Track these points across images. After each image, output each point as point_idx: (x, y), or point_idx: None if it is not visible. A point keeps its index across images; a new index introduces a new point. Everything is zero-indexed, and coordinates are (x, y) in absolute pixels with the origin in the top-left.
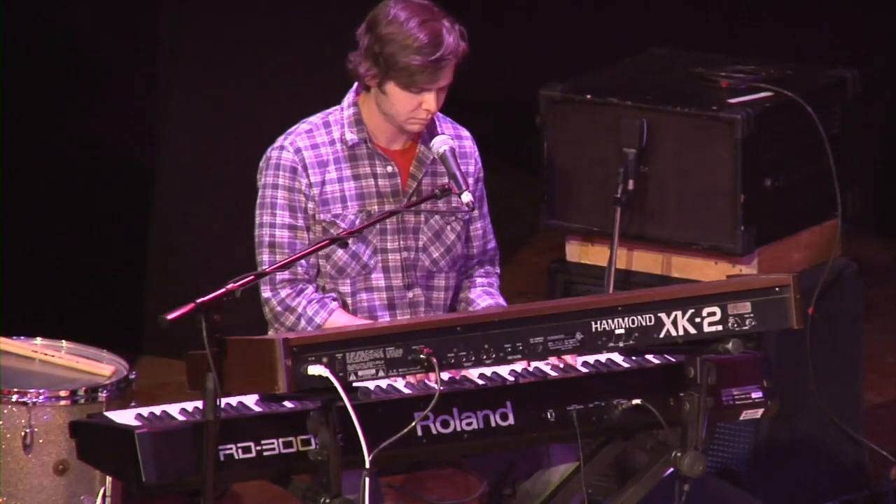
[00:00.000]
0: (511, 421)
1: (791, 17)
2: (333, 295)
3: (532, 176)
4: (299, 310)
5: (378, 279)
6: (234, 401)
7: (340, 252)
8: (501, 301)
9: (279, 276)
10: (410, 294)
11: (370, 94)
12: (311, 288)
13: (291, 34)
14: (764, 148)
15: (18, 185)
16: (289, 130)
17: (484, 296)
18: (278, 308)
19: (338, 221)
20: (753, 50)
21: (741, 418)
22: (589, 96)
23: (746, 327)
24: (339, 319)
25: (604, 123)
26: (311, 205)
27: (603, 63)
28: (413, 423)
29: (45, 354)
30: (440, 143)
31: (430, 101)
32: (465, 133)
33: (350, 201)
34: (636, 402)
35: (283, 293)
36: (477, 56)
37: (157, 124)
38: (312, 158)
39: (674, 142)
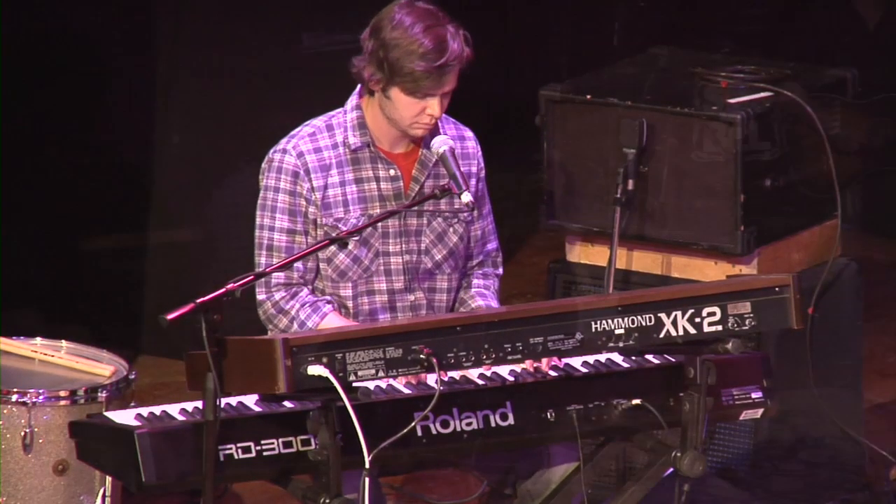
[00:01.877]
0: (511, 421)
1: (792, 17)
2: (328, 298)
3: (532, 176)
4: (292, 313)
5: (380, 282)
6: (234, 401)
7: (342, 256)
8: (493, 304)
9: (274, 279)
10: (412, 297)
11: (374, 97)
12: (305, 291)
13: (291, 34)
14: (764, 148)
15: (18, 185)
16: (292, 133)
17: (476, 297)
18: (272, 310)
19: (340, 225)
20: (753, 50)
21: (741, 418)
22: (589, 96)
23: (746, 327)
24: (331, 323)
25: (604, 123)
26: (312, 209)
27: (603, 63)
28: (413, 423)
29: (45, 354)
30: (440, 143)
31: (434, 106)
32: (469, 133)
33: (352, 205)
34: (636, 402)
35: (277, 296)
36: (478, 55)
37: (156, 125)
38: (315, 162)
39: (674, 142)
